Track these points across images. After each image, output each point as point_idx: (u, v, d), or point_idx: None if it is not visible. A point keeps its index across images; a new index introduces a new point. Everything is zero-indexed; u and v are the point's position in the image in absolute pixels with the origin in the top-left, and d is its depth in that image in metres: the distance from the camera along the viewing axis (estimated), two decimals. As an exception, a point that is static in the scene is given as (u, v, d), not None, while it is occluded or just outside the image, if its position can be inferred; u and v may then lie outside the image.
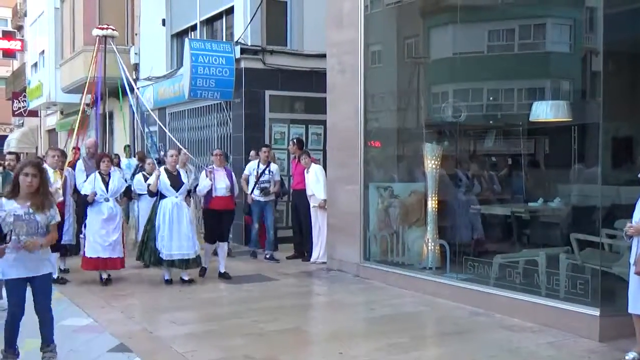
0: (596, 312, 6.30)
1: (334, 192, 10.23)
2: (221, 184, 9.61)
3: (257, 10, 12.74)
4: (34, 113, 30.15)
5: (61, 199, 8.81)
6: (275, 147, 12.57)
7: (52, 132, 29.23)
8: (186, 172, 9.75)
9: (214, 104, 13.80)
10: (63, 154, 9.64)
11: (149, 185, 9.37)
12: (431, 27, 10.26)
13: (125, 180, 10.35)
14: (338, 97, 10.23)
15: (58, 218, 5.33)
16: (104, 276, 9.10)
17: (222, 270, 9.56)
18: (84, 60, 18.75)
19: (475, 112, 9.57)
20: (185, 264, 9.02)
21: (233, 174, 10.11)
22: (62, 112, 26.31)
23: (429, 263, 8.80)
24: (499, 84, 9.65)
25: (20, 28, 34.92)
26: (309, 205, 10.79)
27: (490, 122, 9.79)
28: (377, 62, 10.44)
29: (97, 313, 7.39)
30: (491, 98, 9.65)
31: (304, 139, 12.66)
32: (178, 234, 8.96)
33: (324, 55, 10.99)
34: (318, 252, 10.71)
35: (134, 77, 18.12)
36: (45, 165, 7.99)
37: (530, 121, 8.53)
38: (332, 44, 10.46)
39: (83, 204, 9.18)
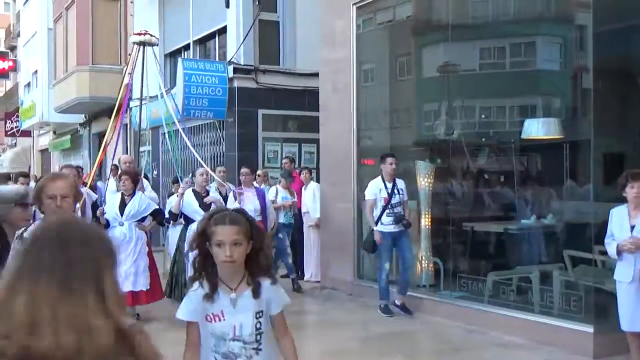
0: (590, 329, 6.30)
1: (327, 210, 10.23)
2: (249, 206, 8.56)
3: (249, 30, 12.81)
4: (26, 133, 30.09)
5: None
6: (269, 166, 12.58)
7: (44, 152, 29.17)
8: (226, 191, 8.91)
9: (207, 123, 13.83)
10: (79, 172, 9.06)
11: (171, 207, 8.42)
12: (423, 45, 10.34)
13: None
14: (331, 116, 10.26)
15: None
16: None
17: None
18: (77, 81, 18.81)
19: (467, 130, 9.61)
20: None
21: (266, 194, 9.25)
22: (54, 132, 26.29)
23: (423, 281, 8.79)
24: (490, 101, 9.71)
25: (13, 48, 34.95)
26: (302, 223, 10.77)
27: (483, 139, 9.84)
28: (370, 81, 10.50)
29: None
30: (483, 116, 9.71)
31: (297, 157, 12.68)
32: None
33: (316, 74, 11.04)
34: (311, 270, 10.68)
35: (128, 96, 18.14)
36: None
37: (522, 138, 8.58)
38: (324, 63, 10.52)
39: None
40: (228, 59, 13.11)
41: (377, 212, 8.30)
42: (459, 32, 9.10)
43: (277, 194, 10.12)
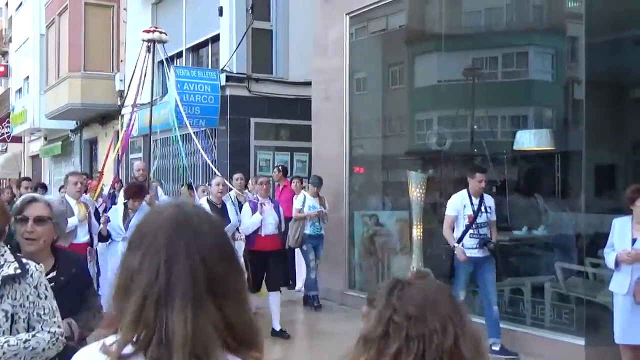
0: (581, 342, 6.30)
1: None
2: (269, 219, 7.96)
3: (242, 38, 12.80)
4: (17, 139, 29.95)
5: (85, 238, 7.06)
6: (261, 175, 12.53)
7: (35, 158, 29.04)
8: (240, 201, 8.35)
9: (199, 131, 13.77)
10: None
11: None
12: (416, 54, 10.35)
13: None
14: (323, 125, 10.25)
15: None
16: None
17: (277, 328, 7.78)
18: (69, 87, 18.75)
19: (459, 139, 9.62)
20: None
21: (280, 206, 8.59)
22: (46, 138, 26.19)
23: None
24: (482, 111, 9.72)
25: (4, 54, 34.83)
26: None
27: (475, 150, 9.84)
28: (362, 89, 10.51)
29: None
30: (475, 126, 9.70)
31: (288, 166, 12.65)
32: None
33: (309, 83, 11.04)
34: (303, 280, 10.63)
35: (119, 103, 18.11)
36: (66, 196, 7.25)
37: (514, 149, 8.59)
38: (317, 72, 10.52)
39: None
40: (221, 67, 13.09)
41: (458, 232, 7.08)
42: (451, 42, 9.12)
43: (304, 202, 9.47)
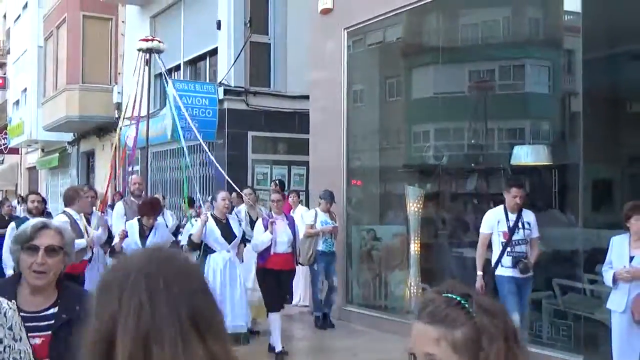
0: (580, 359, 6.26)
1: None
2: (282, 237, 7.60)
3: (240, 52, 12.82)
4: (14, 151, 29.95)
5: (87, 256, 7.13)
6: (258, 188, 12.52)
7: (32, 170, 29.02)
8: (257, 216, 7.99)
9: (197, 145, 13.76)
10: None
11: (190, 235, 7.38)
12: (413, 67, 10.36)
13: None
14: (321, 138, 10.25)
15: None
16: None
17: (278, 348, 7.46)
18: (67, 99, 18.77)
19: (456, 152, 9.62)
20: (233, 339, 7.30)
21: (296, 223, 8.23)
22: (43, 150, 26.18)
23: (412, 307, 8.72)
24: (479, 124, 9.72)
25: (2, 65, 34.86)
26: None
27: (472, 164, 9.83)
28: (360, 102, 10.51)
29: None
30: (472, 141, 9.70)
31: (286, 180, 12.64)
32: (231, 299, 7.09)
33: (307, 97, 11.04)
34: (300, 295, 10.59)
35: (117, 115, 18.11)
36: (70, 211, 7.09)
37: (511, 164, 8.58)
38: (314, 85, 10.53)
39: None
40: (219, 81, 13.10)
41: (497, 251, 6.61)
42: (449, 55, 9.13)
43: (316, 217, 9.08)
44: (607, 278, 5.56)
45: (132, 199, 8.38)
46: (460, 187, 10.00)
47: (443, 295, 1.45)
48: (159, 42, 9.87)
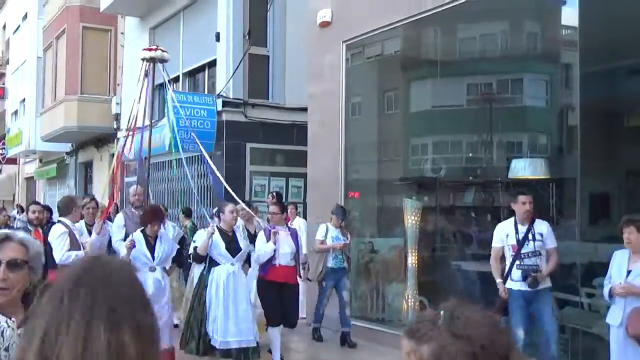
0: (577, 373, 6.24)
1: (315, 245, 10.15)
2: (285, 248, 7.47)
3: (239, 64, 12.85)
4: (12, 161, 29.93)
5: None
6: (256, 200, 12.51)
7: (30, 180, 28.99)
8: (255, 230, 7.77)
9: (195, 156, 13.77)
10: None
11: (195, 248, 7.21)
12: (411, 80, 10.40)
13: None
14: (319, 150, 10.26)
15: None
16: None
17: None
18: (65, 110, 18.80)
19: (454, 165, 9.64)
20: (243, 354, 6.77)
21: (300, 235, 8.03)
22: (41, 161, 26.18)
23: (409, 319, 8.71)
24: (477, 137, 9.75)
25: (1, 76, 34.91)
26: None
27: (470, 177, 9.85)
28: (358, 115, 10.53)
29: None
30: (470, 154, 9.72)
31: (284, 191, 12.65)
32: (235, 313, 6.82)
33: (305, 109, 11.06)
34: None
35: (115, 126, 18.13)
36: (66, 220, 6.92)
37: (509, 177, 8.59)
38: (313, 97, 10.55)
39: None
40: (217, 92, 13.12)
41: (508, 263, 6.46)
42: (446, 68, 9.17)
43: (326, 233, 8.73)
44: (605, 292, 5.57)
45: (132, 210, 8.18)
46: (458, 200, 10.01)
47: (437, 310, 1.46)
48: (163, 51, 9.65)
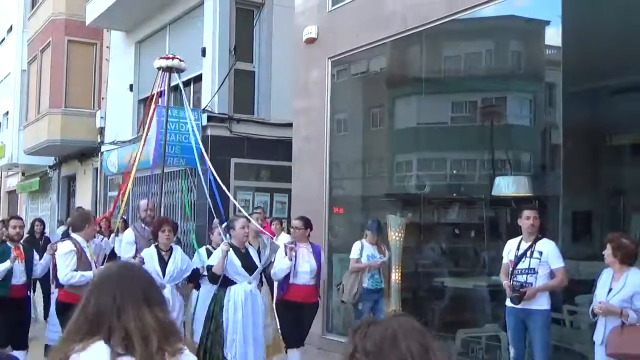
0: (559, 391, 6.24)
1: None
2: (304, 266, 7.08)
3: (225, 79, 12.86)
4: (-6, 174, 29.71)
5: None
6: (240, 215, 12.45)
7: (12, 194, 28.74)
8: (258, 247, 7.25)
9: (179, 170, 13.72)
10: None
11: (209, 267, 6.73)
12: (396, 97, 10.45)
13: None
14: (303, 165, 10.27)
15: None
16: None
17: None
18: (49, 123, 18.69)
19: (438, 182, 9.67)
20: None
21: (323, 252, 7.59)
22: (23, 174, 25.97)
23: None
24: (461, 154, 9.80)
25: (-15, 88, 34.69)
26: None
27: (454, 194, 9.88)
28: (343, 131, 10.56)
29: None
30: (454, 171, 9.76)
31: (268, 207, 12.62)
32: (255, 335, 6.55)
33: (290, 125, 11.08)
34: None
35: (99, 140, 18.05)
36: (77, 237, 6.53)
37: (492, 194, 8.63)
38: (298, 112, 10.57)
39: None
40: (202, 107, 13.11)
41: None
42: (431, 86, 9.23)
43: (362, 250, 8.13)
44: (590, 310, 5.60)
45: (142, 225, 7.77)
46: (442, 216, 10.03)
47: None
48: (180, 60, 9.40)
